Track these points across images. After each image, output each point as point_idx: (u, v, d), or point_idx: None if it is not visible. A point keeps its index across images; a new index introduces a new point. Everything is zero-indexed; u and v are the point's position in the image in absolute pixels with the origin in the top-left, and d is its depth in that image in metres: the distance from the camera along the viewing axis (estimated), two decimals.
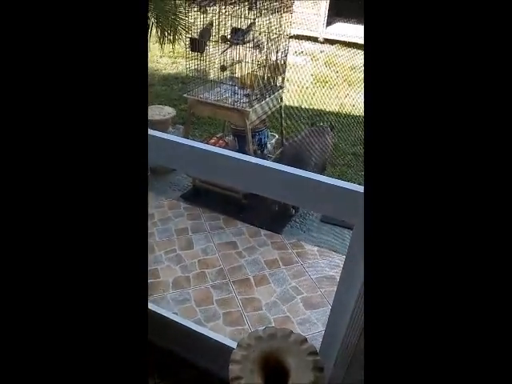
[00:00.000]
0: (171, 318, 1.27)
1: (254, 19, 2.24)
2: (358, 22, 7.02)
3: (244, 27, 2.16)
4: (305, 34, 6.43)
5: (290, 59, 2.70)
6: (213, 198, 2.60)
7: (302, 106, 4.33)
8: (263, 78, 2.32)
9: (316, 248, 2.26)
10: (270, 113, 2.54)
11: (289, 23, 2.36)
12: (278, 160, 2.91)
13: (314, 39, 6.63)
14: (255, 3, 1.96)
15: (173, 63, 4.63)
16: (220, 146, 2.60)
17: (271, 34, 2.22)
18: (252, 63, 2.18)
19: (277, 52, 2.35)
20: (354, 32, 6.69)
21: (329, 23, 6.91)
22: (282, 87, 2.58)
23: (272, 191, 0.86)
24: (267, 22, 2.15)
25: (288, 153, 2.59)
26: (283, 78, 2.57)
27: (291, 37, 2.39)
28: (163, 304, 1.80)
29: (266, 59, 2.27)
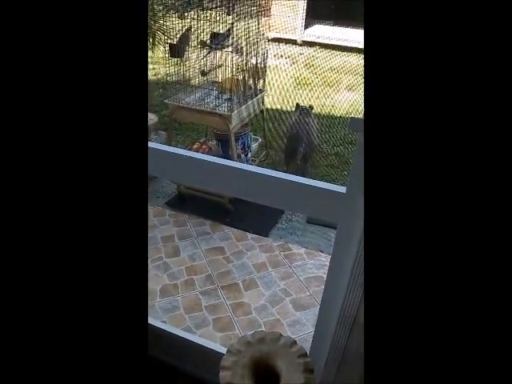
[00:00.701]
0: (160, 327, 1.25)
1: (233, 23, 2.25)
2: (335, 24, 7.13)
3: (223, 32, 2.17)
4: (283, 37, 6.49)
5: (270, 62, 2.72)
6: (198, 204, 2.59)
7: (284, 109, 4.36)
8: (244, 81, 2.32)
9: (303, 249, 2.27)
10: (252, 116, 2.55)
11: (267, 27, 2.38)
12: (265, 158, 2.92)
13: (293, 42, 6.69)
14: (233, 8, 1.97)
15: (152, 69, 4.60)
16: (203, 151, 2.59)
17: (250, 38, 2.23)
18: (232, 67, 2.18)
19: (257, 56, 2.36)
20: (332, 34, 6.79)
21: (306, 26, 6.98)
22: (262, 90, 2.59)
23: (256, 196, 0.86)
24: (246, 26, 2.16)
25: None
26: (264, 82, 2.58)
27: (270, 40, 2.41)
28: (152, 313, 1.78)
29: (246, 63, 2.28)
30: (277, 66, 5.38)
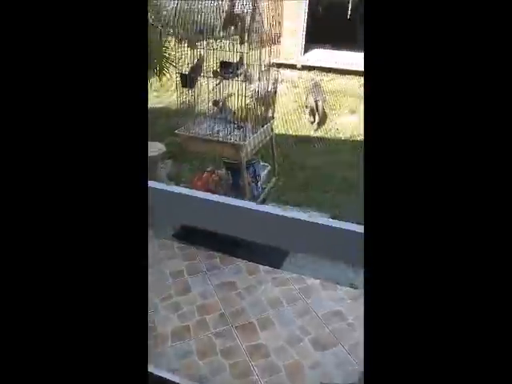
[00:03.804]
0: (172, 379, 1.13)
1: (242, 53, 2.22)
2: (333, 47, 7.23)
3: (235, 61, 2.13)
4: (283, 62, 6.55)
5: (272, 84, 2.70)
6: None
7: (288, 133, 4.33)
8: (256, 110, 2.28)
9: (318, 281, 2.17)
10: (263, 144, 2.50)
11: (278, 54, 2.36)
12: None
13: (293, 67, 6.74)
14: (247, 36, 1.94)
15: (157, 97, 4.58)
16: (213, 180, 2.52)
17: (262, 67, 2.19)
18: (243, 96, 2.14)
19: (268, 84, 2.32)
20: (330, 57, 6.86)
21: (305, 50, 7.07)
22: (272, 118, 2.55)
23: (276, 239, 0.77)
24: (258, 54, 2.13)
25: None
26: (274, 109, 2.54)
27: (270, 63, 2.37)
28: (163, 360, 1.66)
29: (258, 92, 2.24)
30: (279, 91, 5.40)
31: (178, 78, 2.11)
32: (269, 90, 2.38)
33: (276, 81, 2.42)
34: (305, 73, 6.72)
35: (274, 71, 2.32)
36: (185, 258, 2.34)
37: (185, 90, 2.17)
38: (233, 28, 1.99)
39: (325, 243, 0.66)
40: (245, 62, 2.24)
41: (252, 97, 2.21)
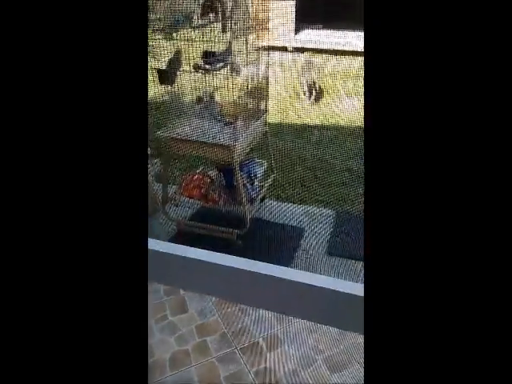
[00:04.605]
0: None
1: (227, 42, 1.99)
2: (325, 27, 6.92)
3: (220, 51, 1.90)
4: (273, 45, 6.25)
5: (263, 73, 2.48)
6: (203, 242, 2.30)
7: (284, 122, 4.09)
8: (246, 104, 2.06)
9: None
10: (257, 140, 2.28)
11: (267, 41, 2.12)
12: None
13: (284, 49, 6.45)
14: (230, 24, 1.70)
15: None
16: (205, 184, 2.32)
17: (250, 56, 1.96)
18: (233, 90, 1.92)
19: (258, 74, 2.09)
20: (323, 38, 6.57)
21: (296, 31, 6.77)
22: (265, 111, 2.33)
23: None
24: (244, 42, 1.90)
25: None
26: (267, 101, 2.32)
27: (259, 49, 2.14)
28: None
29: (248, 84, 2.01)
30: (269, 77, 5.14)
31: (155, 75, 1.88)
32: (260, 80, 2.15)
33: (267, 70, 2.19)
34: (296, 55, 6.43)
35: (264, 59, 2.09)
36: None
37: (164, 87, 1.94)
38: (213, 15, 1.75)
39: (327, 308, 0.59)
40: (230, 51, 2.01)
41: (241, 89, 1.98)
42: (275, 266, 0.63)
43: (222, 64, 1.97)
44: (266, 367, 1.60)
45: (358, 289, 0.55)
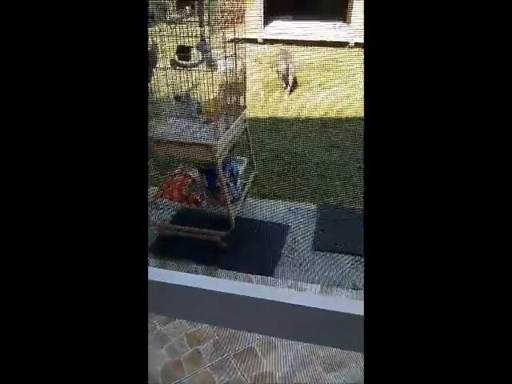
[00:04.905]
0: None
1: (202, 36, 1.91)
2: (295, 18, 6.87)
3: (196, 44, 1.82)
4: (243, 37, 6.15)
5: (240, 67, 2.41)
6: (186, 246, 2.23)
7: (260, 116, 4.04)
8: (225, 100, 1.99)
9: (316, 286, 1.97)
10: (237, 138, 2.22)
11: (243, 34, 2.05)
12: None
13: (254, 41, 6.36)
14: (207, 17, 1.62)
15: None
16: (186, 185, 2.23)
17: (227, 50, 1.89)
18: (212, 86, 1.84)
19: (236, 69, 2.02)
20: (292, 29, 6.52)
21: (265, 23, 6.68)
22: (244, 107, 2.26)
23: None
24: (221, 36, 1.82)
25: None
26: (244, 97, 2.25)
27: (228, 41, 2.07)
28: None
29: (227, 79, 1.94)
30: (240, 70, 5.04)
31: None
32: (237, 75, 2.08)
33: (244, 65, 2.12)
34: (267, 47, 6.35)
35: (239, 52, 2.02)
36: None
37: None
38: (188, 8, 1.66)
39: (322, 328, 0.58)
40: (207, 46, 1.93)
41: (221, 86, 1.91)
42: (267, 287, 0.63)
43: (199, 59, 1.89)
44: (262, 372, 1.56)
45: (351, 307, 0.54)
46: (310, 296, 0.60)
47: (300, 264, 2.16)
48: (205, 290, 0.58)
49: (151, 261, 2.16)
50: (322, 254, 2.21)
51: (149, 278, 0.57)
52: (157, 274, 0.60)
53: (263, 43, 6.49)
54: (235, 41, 1.99)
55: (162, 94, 1.87)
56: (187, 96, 1.97)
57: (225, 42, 1.88)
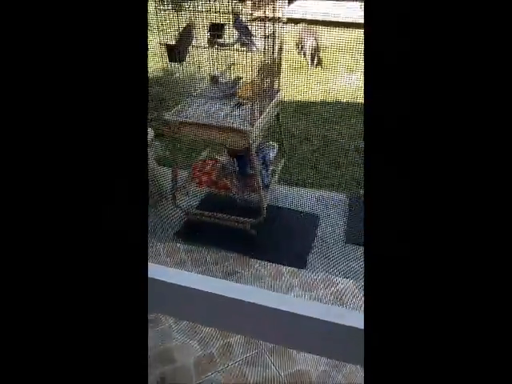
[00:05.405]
0: None
1: (237, 13, 1.79)
2: None
3: (234, 23, 1.71)
4: (263, 15, 5.92)
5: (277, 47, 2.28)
6: (215, 232, 2.17)
7: (288, 99, 3.90)
8: (262, 83, 1.88)
9: (351, 281, 1.90)
10: (271, 123, 2.12)
11: (281, 14, 1.93)
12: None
13: (277, 20, 6.16)
14: None
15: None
16: (215, 170, 2.15)
17: (267, 29, 1.77)
18: (251, 68, 1.73)
19: (273, 49, 1.91)
20: (317, 8, 6.28)
21: (290, 1, 6.44)
22: (279, 90, 2.15)
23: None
24: (262, 13, 1.70)
25: None
26: (279, 80, 2.14)
27: (253, 20, 1.94)
28: None
29: (265, 60, 1.82)
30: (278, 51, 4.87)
31: (164, 51, 1.68)
32: (274, 57, 1.97)
33: (281, 46, 2.00)
34: (291, 26, 6.14)
35: (280, 33, 1.90)
36: (195, 263, 2.02)
37: (174, 64, 1.74)
38: None
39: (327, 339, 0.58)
40: (244, 24, 1.81)
41: (258, 69, 1.80)
42: (278, 295, 0.62)
43: (235, 38, 1.78)
44: (297, 370, 1.50)
45: (353, 319, 0.54)
46: (311, 305, 0.59)
47: (332, 257, 2.08)
48: (209, 292, 0.58)
49: (181, 246, 2.12)
50: (355, 246, 2.12)
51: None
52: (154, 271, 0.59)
53: (287, 22, 6.29)
54: (274, 19, 1.87)
55: (197, 74, 1.77)
56: (223, 77, 1.87)
57: (264, 20, 1.77)
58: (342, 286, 1.87)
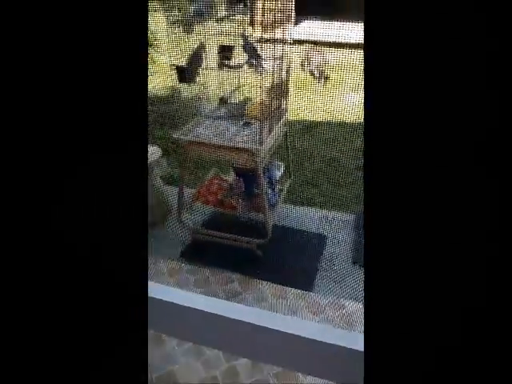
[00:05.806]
0: None
1: (246, 36, 1.82)
2: (323, 19, 6.75)
3: (244, 44, 1.73)
4: (272, 37, 6.05)
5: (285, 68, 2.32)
6: (220, 253, 2.15)
7: (294, 119, 3.93)
8: (270, 104, 1.90)
9: (360, 305, 1.86)
10: (278, 142, 2.13)
11: (289, 36, 1.96)
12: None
13: (285, 41, 6.28)
14: (261, 15, 1.53)
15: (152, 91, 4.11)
16: (222, 189, 2.15)
17: (276, 51, 1.80)
18: (258, 88, 1.75)
19: (281, 71, 1.93)
20: (322, 30, 6.41)
21: (296, 23, 6.59)
22: (286, 110, 2.17)
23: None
24: (271, 36, 1.73)
25: None
26: (287, 100, 2.16)
27: (258, 41, 1.98)
28: None
29: (273, 81, 1.85)
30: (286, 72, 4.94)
31: (174, 72, 1.70)
32: (283, 76, 1.99)
33: (289, 67, 2.03)
34: (296, 48, 6.26)
35: (289, 55, 1.93)
36: (197, 284, 2.00)
37: (183, 85, 1.76)
38: (241, 5, 1.58)
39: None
40: (253, 46, 1.84)
41: (270, 88, 1.82)
42: (280, 316, 0.62)
43: (244, 60, 1.80)
44: None
45: (351, 340, 0.54)
46: (308, 325, 0.59)
47: (339, 278, 2.05)
48: (209, 312, 0.59)
49: (185, 267, 2.10)
50: (362, 269, 2.09)
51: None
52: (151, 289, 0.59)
53: (293, 44, 6.42)
54: (283, 41, 1.90)
55: (207, 95, 1.79)
56: (232, 97, 1.89)
57: (274, 42, 1.80)
58: (350, 309, 1.83)
